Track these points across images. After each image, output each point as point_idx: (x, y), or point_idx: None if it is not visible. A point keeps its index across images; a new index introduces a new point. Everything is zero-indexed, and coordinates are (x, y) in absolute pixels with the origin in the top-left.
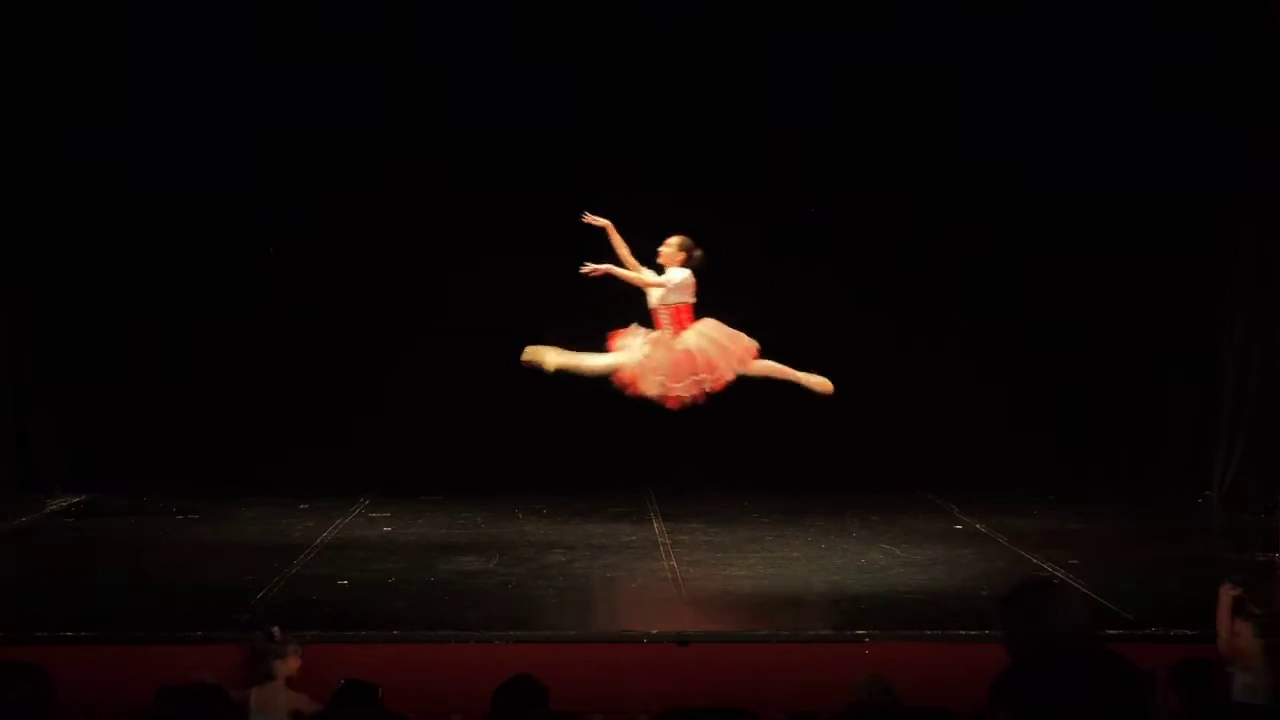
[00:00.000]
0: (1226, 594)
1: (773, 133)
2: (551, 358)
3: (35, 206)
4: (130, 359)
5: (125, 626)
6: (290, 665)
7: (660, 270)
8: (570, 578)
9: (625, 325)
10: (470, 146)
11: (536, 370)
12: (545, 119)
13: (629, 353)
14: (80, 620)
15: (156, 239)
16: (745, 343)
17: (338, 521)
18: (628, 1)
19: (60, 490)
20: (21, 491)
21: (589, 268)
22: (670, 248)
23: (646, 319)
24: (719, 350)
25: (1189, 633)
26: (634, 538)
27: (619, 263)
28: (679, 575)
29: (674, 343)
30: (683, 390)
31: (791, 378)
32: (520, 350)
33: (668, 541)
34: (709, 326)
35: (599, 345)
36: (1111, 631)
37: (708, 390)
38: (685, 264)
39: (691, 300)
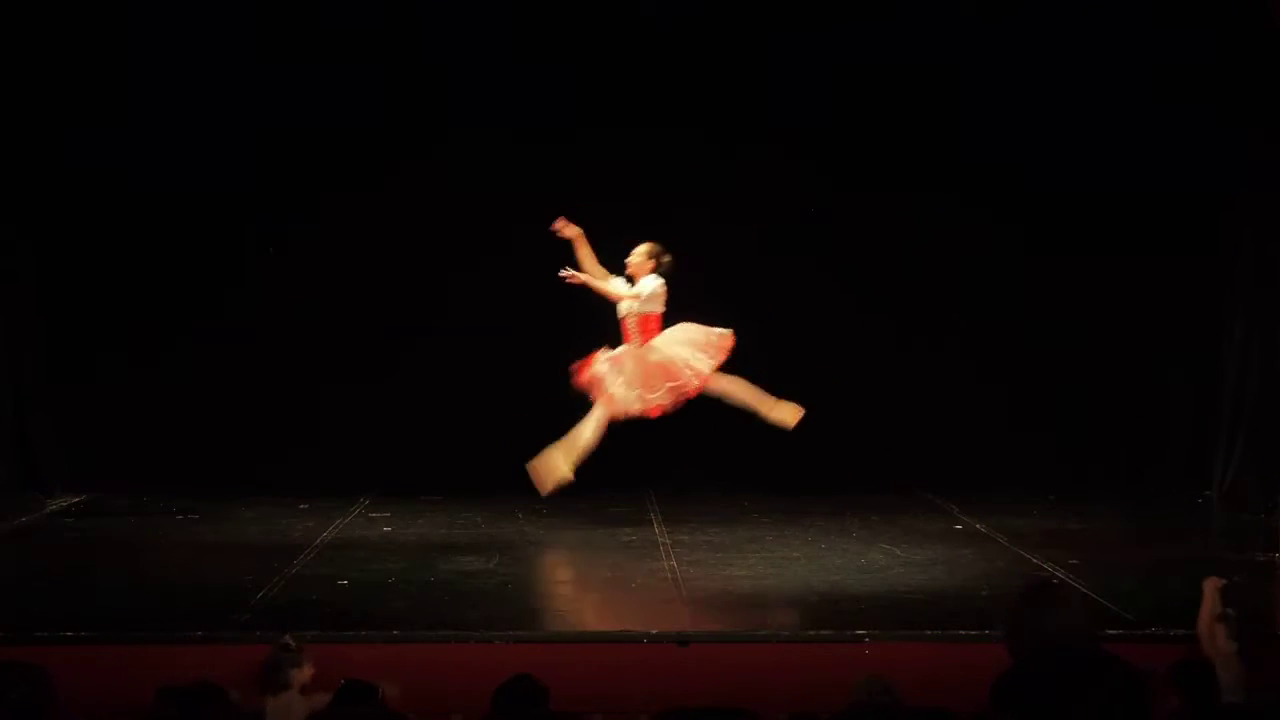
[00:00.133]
0: (1212, 586)
1: (772, 132)
2: (562, 463)
3: (35, 206)
4: (130, 359)
5: (125, 626)
6: (305, 673)
7: (630, 279)
8: (570, 578)
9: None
10: (470, 146)
11: (563, 486)
12: (545, 119)
13: (609, 389)
14: (80, 620)
15: (156, 239)
16: (718, 334)
17: (338, 521)
18: (628, 1)
19: (60, 490)
20: (21, 491)
21: (567, 273)
22: (639, 256)
23: (616, 328)
24: (691, 348)
25: (1189, 633)
26: (634, 538)
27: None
28: (679, 575)
29: (644, 354)
30: (661, 399)
31: (756, 405)
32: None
33: (668, 541)
34: (678, 330)
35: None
36: (1111, 631)
37: (687, 394)
38: (655, 271)
39: (661, 310)
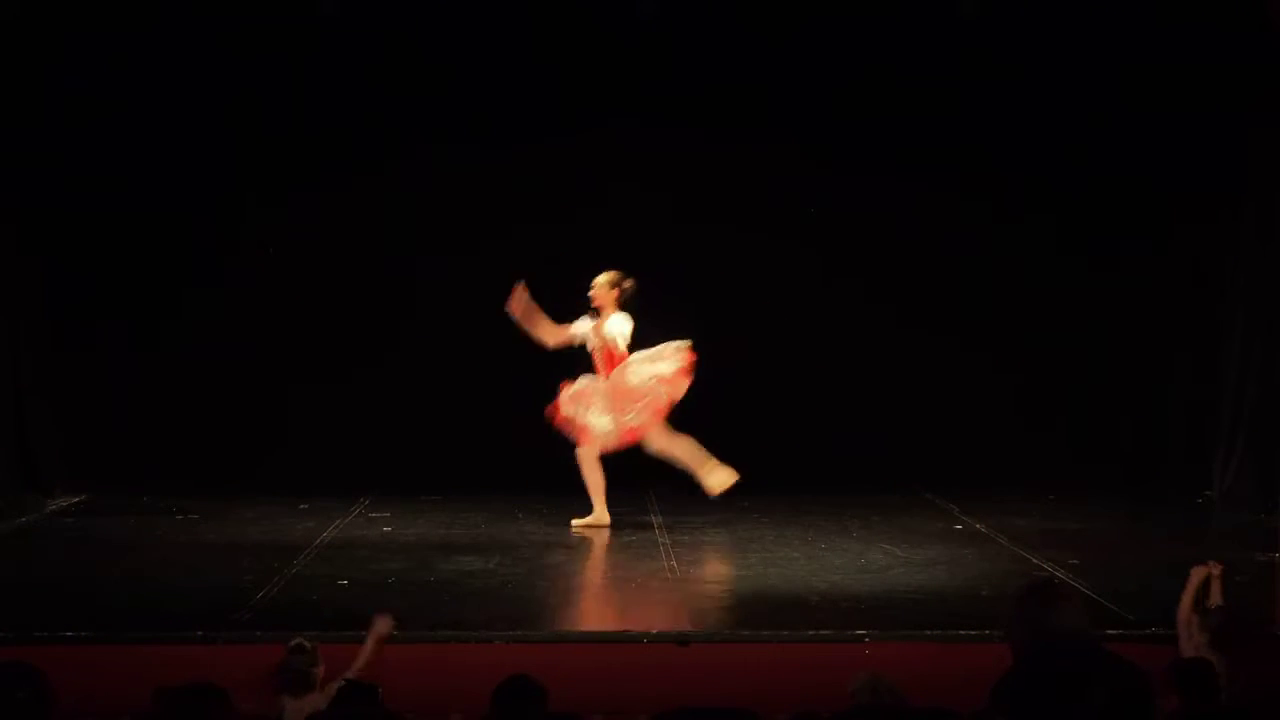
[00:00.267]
0: (1198, 575)
1: (771, 125)
2: (600, 514)
3: (35, 206)
4: (130, 359)
5: (125, 626)
6: (322, 670)
7: (595, 311)
8: (570, 578)
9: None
10: (469, 147)
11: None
12: (545, 119)
13: (584, 424)
14: (80, 620)
15: (156, 239)
16: (675, 345)
17: (338, 521)
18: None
19: (60, 490)
20: (21, 491)
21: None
22: (601, 287)
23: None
24: (652, 362)
25: None
26: (634, 538)
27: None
28: (679, 575)
29: (608, 383)
30: (636, 419)
31: (694, 466)
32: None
33: (668, 541)
34: (636, 355)
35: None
36: (1111, 631)
37: (660, 406)
38: (619, 300)
39: (624, 349)
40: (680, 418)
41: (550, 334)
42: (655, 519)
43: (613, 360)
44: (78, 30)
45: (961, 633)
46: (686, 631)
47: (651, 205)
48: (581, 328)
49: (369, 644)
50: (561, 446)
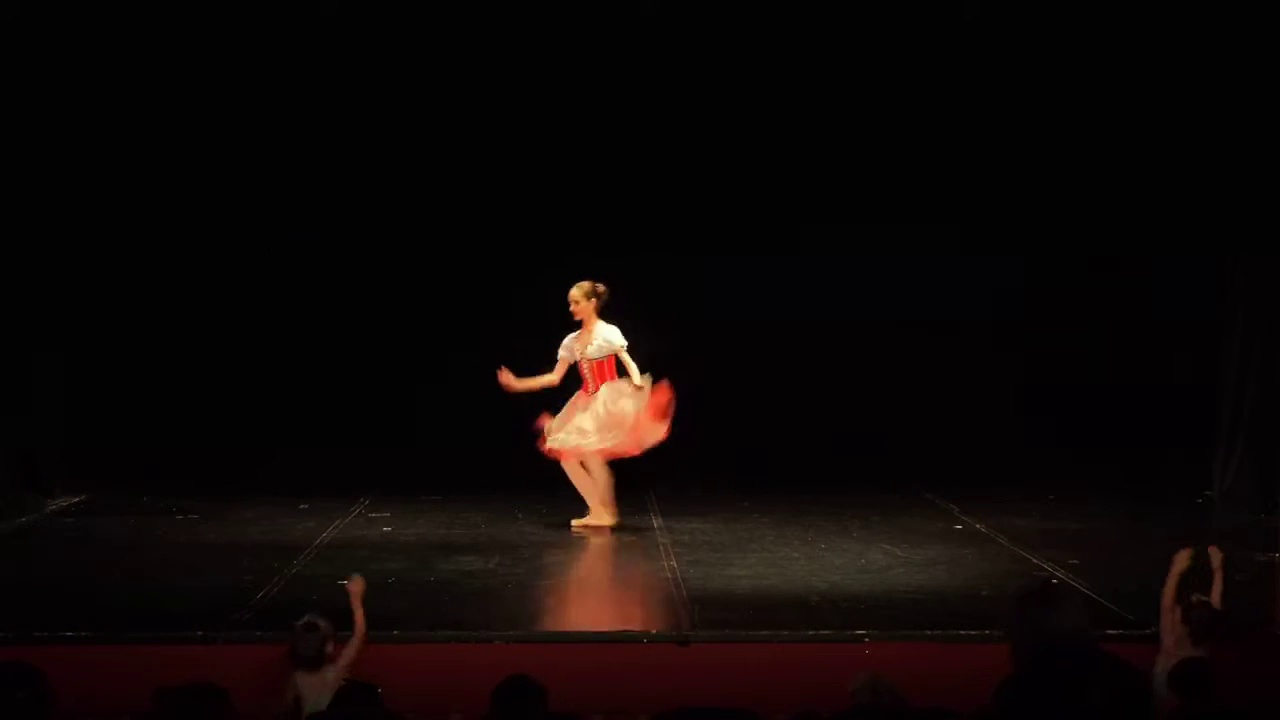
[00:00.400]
0: (1179, 561)
1: (772, 130)
2: (605, 515)
3: (35, 207)
4: (130, 358)
5: (125, 626)
6: (333, 645)
7: (577, 321)
8: (570, 578)
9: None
10: (469, 147)
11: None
12: (544, 121)
13: (570, 444)
14: (80, 620)
15: (156, 239)
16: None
17: (338, 521)
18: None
19: (60, 490)
20: (21, 491)
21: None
22: (578, 302)
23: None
24: (630, 398)
25: None
26: (634, 538)
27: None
28: (679, 575)
29: (592, 402)
30: (616, 440)
31: (590, 497)
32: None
33: (668, 541)
34: (614, 386)
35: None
36: (1111, 631)
37: (639, 433)
38: (598, 308)
39: (612, 353)
40: (680, 418)
41: (549, 379)
42: (655, 519)
43: (601, 371)
44: (78, 30)
45: (961, 633)
46: (686, 631)
47: (652, 205)
48: (569, 349)
49: (355, 609)
50: None
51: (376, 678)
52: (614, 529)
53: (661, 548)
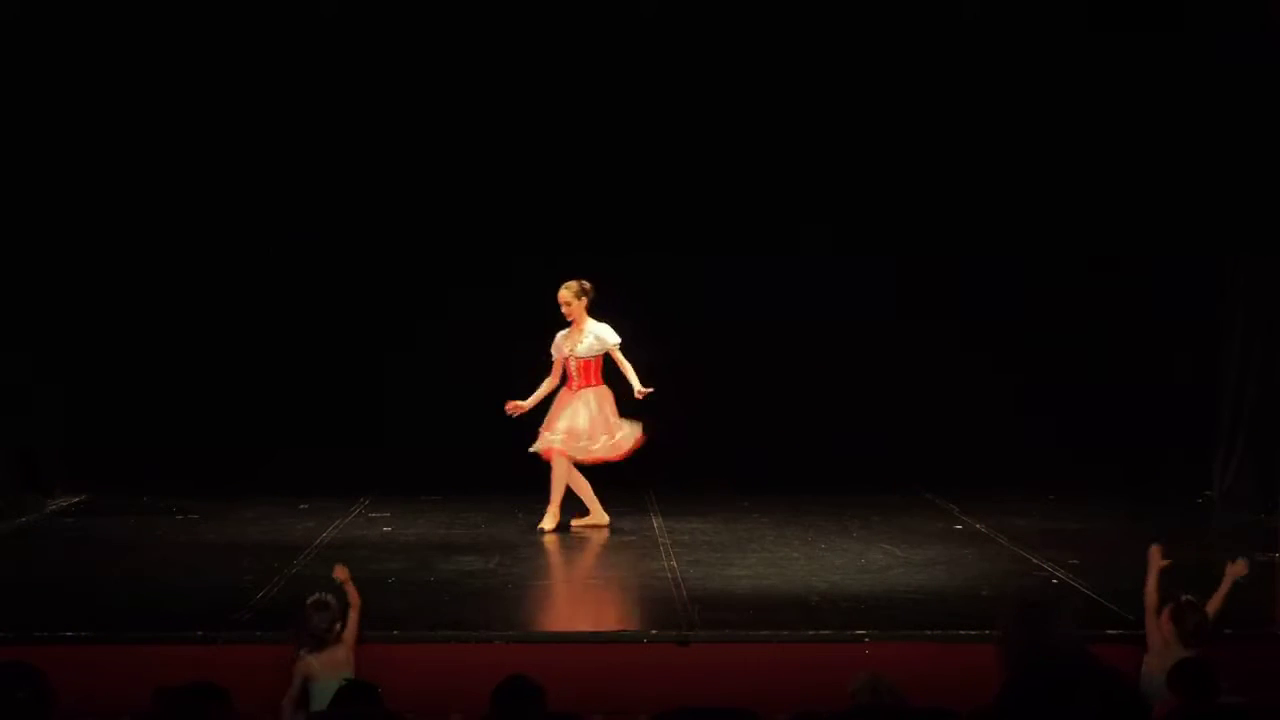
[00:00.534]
0: (1155, 557)
1: (773, 131)
2: (596, 515)
3: (35, 207)
4: (131, 358)
5: (125, 626)
6: (340, 625)
7: (567, 320)
8: (570, 577)
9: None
10: (468, 148)
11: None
12: (545, 121)
13: (563, 446)
14: (80, 620)
15: (156, 239)
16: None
17: (338, 521)
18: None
19: (60, 490)
20: (21, 491)
21: (512, 407)
22: (569, 303)
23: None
24: (614, 421)
25: None
26: (634, 538)
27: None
28: (679, 575)
29: (578, 401)
30: (601, 448)
31: (552, 499)
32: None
33: (668, 541)
34: (601, 396)
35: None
36: (1111, 632)
37: (622, 450)
38: (588, 306)
39: (603, 351)
40: (681, 417)
41: (549, 383)
42: (655, 519)
43: (588, 369)
44: (77, 30)
45: (961, 633)
46: (686, 632)
47: (651, 205)
48: (558, 347)
49: (346, 584)
50: None
51: (376, 678)
52: (549, 529)
53: (661, 548)
